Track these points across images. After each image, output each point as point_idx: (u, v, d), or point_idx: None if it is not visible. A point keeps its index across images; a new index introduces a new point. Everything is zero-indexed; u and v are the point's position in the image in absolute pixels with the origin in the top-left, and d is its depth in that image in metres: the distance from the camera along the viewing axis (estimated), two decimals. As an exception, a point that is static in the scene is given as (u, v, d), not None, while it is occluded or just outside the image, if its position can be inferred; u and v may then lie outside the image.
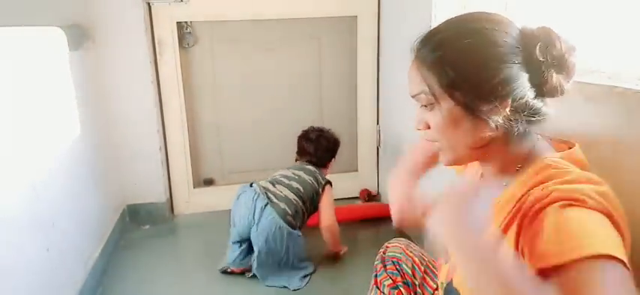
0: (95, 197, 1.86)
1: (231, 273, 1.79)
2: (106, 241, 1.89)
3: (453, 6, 1.64)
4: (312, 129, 2.04)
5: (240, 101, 2.34)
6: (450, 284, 0.87)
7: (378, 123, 2.45)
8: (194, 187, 2.37)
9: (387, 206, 2.23)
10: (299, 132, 2.16)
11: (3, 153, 1.18)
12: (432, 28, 0.77)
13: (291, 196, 1.77)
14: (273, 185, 1.81)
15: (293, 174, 1.87)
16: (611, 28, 1.08)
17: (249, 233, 1.71)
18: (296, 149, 2.06)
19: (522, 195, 0.71)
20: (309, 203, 1.82)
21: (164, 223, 2.26)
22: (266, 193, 1.75)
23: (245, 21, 2.23)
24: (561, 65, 0.70)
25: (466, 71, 0.69)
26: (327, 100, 2.42)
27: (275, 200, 1.74)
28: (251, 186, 1.80)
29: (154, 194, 2.25)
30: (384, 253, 1.21)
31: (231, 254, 1.78)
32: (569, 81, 0.72)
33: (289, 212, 1.73)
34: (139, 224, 2.23)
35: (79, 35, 1.81)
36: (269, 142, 2.42)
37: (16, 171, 1.24)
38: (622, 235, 0.64)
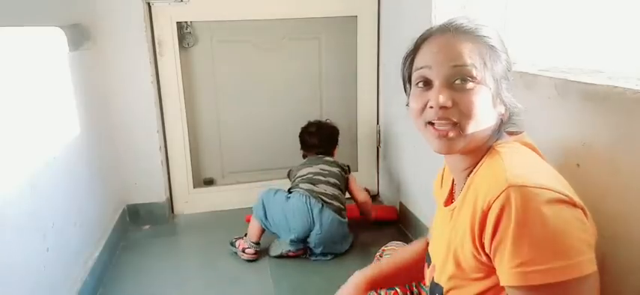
0: (95, 197, 1.86)
1: (287, 257, 1.90)
2: (105, 241, 1.89)
3: (452, 6, 1.64)
4: (310, 124, 2.18)
5: (240, 101, 2.34)
6: (432, 282, 0.90)
7: (378, 123, 2.45)
8: (194, 187, 2.37)
9: (388, 208, 2.23)
10: (298, 132, 2.17)
11: (3, 153, 1.18)
12: (459, 17, 0.81)
13: (335, 191, 1.94)
14: (315, 184, 1.92)
15: (321, 170, 1.99)
16: (611, 28, 1.08)
17: (308, 234, 1.84)
18: (299, 147, 2.18)
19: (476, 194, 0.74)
20: (344, 190, 2.02)
21: (164, 223, 2.26)
22: (317, 196, 1.86)
23: (245, 21, 2.23)
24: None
25: (501, 60, 0.78)
26: (327, 100, 2.42)
27: (327, 200, 1.88)
28: (290, 191, 1.92)
29: (154, 194, 2.25)
30: (380, 256, 1.25)
31: (288, 244, 1.87)
32: None
33: (341, 206, 1.92)
34: (138, 224, 2.23)
35: (79, 35, 1.81)
36: (269, 142, 2.42)
37: (15, 171, 1.24)
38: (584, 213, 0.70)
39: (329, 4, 2.26)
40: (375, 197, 2.52)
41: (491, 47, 0.77)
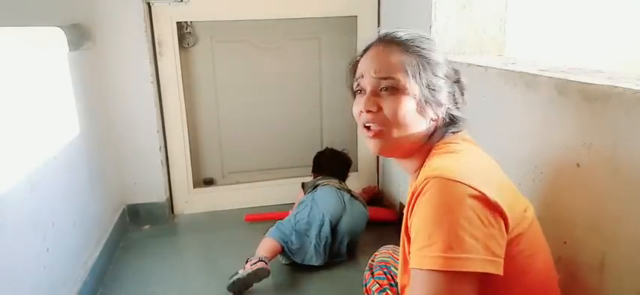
0: (95, 197, 1.86)
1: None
2: (105, 241, 1.89)
3: (452, 6, 1.65)
4: (328, 149, 2.26)
5: (240, 101, 2.34)
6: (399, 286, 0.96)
7: (378, 123, 2.45)
8: (194, 187, 2.37)
9: (388, 210, 2.22)
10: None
11: (3, 154, 1.18)
12: (392, 29, 0.90)
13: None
14: (341, 184, 2.04)
15: (339, 182, 2.06)
16: (611, 28, 1.09)
17: (339, 219, 1.85)
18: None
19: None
20: None
21: (164, 223, 2.26)
22: (344, 189, 1.96)
23: (245, 21, 2.23)
24: (463, 94, 0.91)
25: (431, 68, 0.85)
26: (327, 100, 2.42)
27: (354, 194, 1.97)
28: (315, 189, 1.97)
29: (154, 194, 2.25)
30: (372, 261, 1.28)
31: (314, 253, 1.79)
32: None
33: (365, 203, 2.00)
34: (138, 224, 2.23)
35: (79, 35, 1.81)
36: (269, 142, 2.42)
37: (15, 171, 1.24)
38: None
39: (329, 4, 2.26)
40: (377, 195, 2.51)
41: (421, 57, 0.84)
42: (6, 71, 1.24)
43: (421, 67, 0.84)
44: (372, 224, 2.01)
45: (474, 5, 1.66)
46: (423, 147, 0.86)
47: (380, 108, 0.84)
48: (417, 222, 0.74)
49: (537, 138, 1.11)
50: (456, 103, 0.89)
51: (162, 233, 2.18)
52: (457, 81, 0.90)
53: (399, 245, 1.30)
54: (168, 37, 2.14)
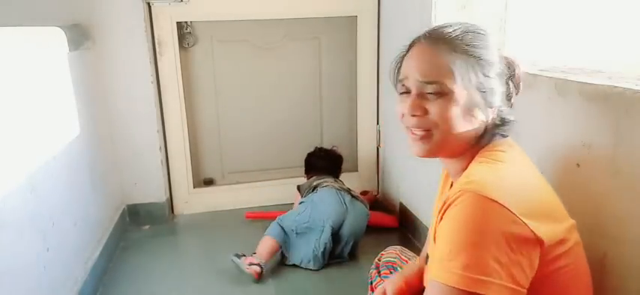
0: (95, 197, 1.86)
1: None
2: (105, 241, 1.89)
3: (452, 6, 1.65)
4: (318, 149, 2.25)
5: (240, 101, 2.34)
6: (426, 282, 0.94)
7: (378, 123, 2.45)
8: (194, 187, 2.37)
9: (388, 216, 2.19)
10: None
11: (3, 154, 1.18)
12: (438, 24, 0.84)
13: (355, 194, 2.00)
14: (336, 182, 2.04)
15: (335, 181, 2.05)
16: (611, 28, 1.09)
17: (341, 223, 1.84)
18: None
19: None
20: None
21: (164, 223, 2.26)
22: (344, 189, 1.95)
23: (245, 21, 2.23)
24: (518, 89, 0.86)
25: (479, 68, 0.79)
26: (327, 100, 2.42)
27: (354, 194, 1.96)
28: (314, 190, 1.96)
29: (154, 194, 2.25)
30: (378, 260, 1.27)
31: (312, 258, 1.79)
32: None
33: (365, 202, 1.99)
34: (138, 224, 2.23)
35: (79, 35, 1.81)
36: (269, 142, 2.42)
37: (15, 171, 1.24)
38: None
39: (329, 4, 2.26)
40: (377, 199, 2.52)
41: (471, 57, 0.78)
42: (6, 71, 1.24)
43: (471, 69, 0.78)
44: (371, 230, 2.00)
45: (474, 5, 1.66)
46: (471, 150, 0.82)
47: (426, 112, 0.79)
48: (444, 233, 0.72)
49: (537, 138, 1.11)
50: (510, 102, 0.84)
51: (162, 233, 2.18)
52: (511, 77, 0.84)
53: (404, 246, 1.31)
54: (168, 37, 2.14)
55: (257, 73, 2.31)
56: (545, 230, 0.70)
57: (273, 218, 1.92)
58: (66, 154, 1.59)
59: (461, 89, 0.77)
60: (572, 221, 0.78)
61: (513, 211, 0.68)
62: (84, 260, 1.68)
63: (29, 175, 1.30)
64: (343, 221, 1.83)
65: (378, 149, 2.49)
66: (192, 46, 2.23)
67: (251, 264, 1.73)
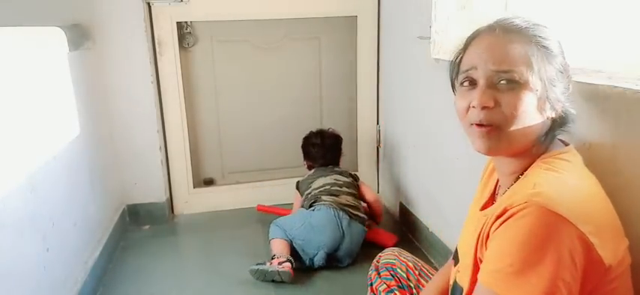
0: (95, 197, 1.86)
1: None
2: (105, 241, 1.89)
3: (452, 6, 1.64)
4: (313, 134, 2.14)
5: (240, 101, 2.34)
6: (455, 282, 0.91)
7: (378, 123, 2.45)
8: (194, 187, 2.37)
9: (388, 234, 2.09)
10: (298, 133, 2.16)
11: (3, 154, 1.18)
12: (507, 16, 0.80)
13: (356, 201, 1.93)
14: (338, 196, 1.90)
15: (336, 180, 1.97)
16: (611, 29, 1.08)
17: (337, 247, 1.79)
18: (299, 146, 2.14)
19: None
20: (358, 198, 1.99)
21: (164, 223, 2.26)
22: (344, 208, 1.84)
23: (245, 21, 2.23)
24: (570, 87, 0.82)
25: (550, 62, 0.75)
26: (327, 100, 2.42)
27: (353, 212, 1.86)
28: (313, 204, 1.88)
29: (154, 194, 2.25)
30: (377, 262, 1.27)
31: (317, 257, 1.78)
32: None
33: (364, 217, 1.92)
34: (138, 224, 2.23)
35: (79, 35, 1.80)
36: (269, 142, 2.42)
37: (15, 171, 1.24)
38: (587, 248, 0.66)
39: (329, 4, 2.26)
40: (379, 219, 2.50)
41: (542, 47, 0.75)
42: (6, 71, 1.24)
43: (545, 59, 0.74)
44: (371, 230, 1.98)
45: (474, 5, 1.66)
46: (533, 150, 0.78)
47: (497, 104, 0.74)
48: (505, 244, 0.68)
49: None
50: (570, 99, 0.80)
51: (162, 233, 2.18)
52: (569, 76, 0.81)
53: (404, 246, 1.31)
54: (168, 37, 2.14)
55: (257, 72, 2.31)
56: (610, 249, 0.68)
57: (284, 214, 1.93)
58: (66, 154, 1.59)
59: (536, 80, 0.73)
60: (627, 242, 0.75)
61: (582, 229, 0.65)
62: (84, 261, 1.68)
63: (29, 175, 1.30)
64: (339, 245, 1.79)
65: (378, 149, 2.49)
66: (192, 46, 2.23)
67: (281, 263, 1.70)
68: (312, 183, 1.98)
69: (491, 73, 0.75)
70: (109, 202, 2.06)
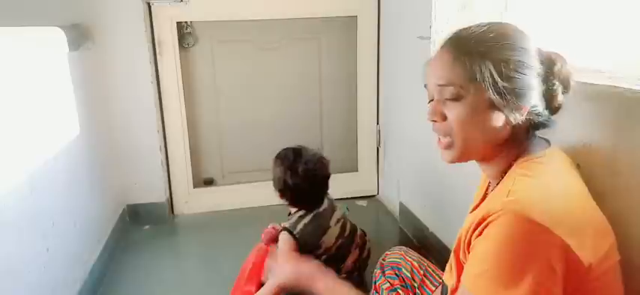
0: (95, 197, 1.86)
1: None
2: (105, 241, 1.89)
3: (452, 6, 1.64)
4: (298, 173, 1.48)
5: (240, 101, 2.34)
6: (442, 281, 0.93)
7: (378, 123, 2.45)
8: (194, 187, 2.37)
9: None
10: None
11: (3, 154, 1.18)
12: (463, 26, 0.81)
13: (362, 248, 1.57)
14: (346, 259, 1.54)
15: (342, 227, 1.54)
16: (611, 28, 1.08)
17: None
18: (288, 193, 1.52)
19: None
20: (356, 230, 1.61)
21: (164, 223, 2.26)
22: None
23: (245, 21, 2.23)
24: (566, 86, 0.80)
25: (499, 69, 0.74)
26: (327, 100, 2.42)
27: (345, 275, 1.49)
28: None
29: (154, 194, 2.25)
30: (383, 260, 1.27)
31: None
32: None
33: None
34: (138, 224, 2.23)
35: (79, 35, 1.80)
36: (269, 142, 2.41)
37: (15, 170, 1.24)
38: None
39: (329, 4, 2.26)
40: (373, 196, 2.52)
41: (492, 58, 0.74)
42: (6, 71, 1.24)
43: (492, 70, 0.74)
44: (371, 230, 1.95)
45: (474, 5, 1.66)
46: (505, 153, 0.79)
47: (444, 117, 0.78)
48: (483, 251, 0.69)
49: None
50: (554, 100, 0.79)
51: (162, 233, 2.18)
52: (550, 74, 0.78)
53: (403, 246, 1.31)
54: (168, 37, 2.14)
55: (257, 72, 2.31)
56: (590, 248, 0.68)
57: None
58: (66, 154, 1.59)
59: (478, 92, 0.75)
60: (613, 239, 0.75)
61: (557, 233, 0.65)
62: (84, 260, 1.68)
63: (29, 175, 1.30)
64: None
65: (378, 149, 2.49)
66: (192, 46, 2.23)
67: None
68: (315, 234, 1.46)
69: (436, 89, 0.79)
70: (109, 202, 2.06)
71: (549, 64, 0.78)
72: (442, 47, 0.81)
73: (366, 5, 2.28)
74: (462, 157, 0.81)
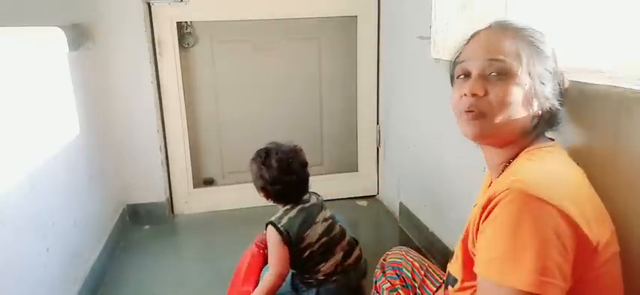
0: (95, 197, 1.86)
1: None
2: (105, 241, 1.89)
3: (452, 6, 1.64)
4: (278, 170, 1.49)
5: (240, 101, 2.34)
6: (448, 272, 0.94)
7: (378, 123, 2.45)
8: (194, 187, 2.37)
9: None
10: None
11: (3, 153, 1.18)
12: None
13: (353, 245, 1.53)
14: (345, 259, 1.49)
15: (329, 226, 1.48)
16: (610, 28, 1.08)
17: None
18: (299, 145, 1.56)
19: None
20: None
21: (164, 223, 2.26)
22: (353, 281, 1.50)
23: (245, 21, 2.23)
24: (564, 101, 0.85)
25: (540, 59, 0.80)
26: (327, 100, 2.42)
27: (361, 275, 1.54)
28: (315, 286, 1.46)
29: (154, 194, 2.25)
30: (383, 260, 1.27)
31: None
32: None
33: (365, 264, 1.55)
34: (138, 224, 2.23)
35: (79, 35, 1.81)
36: (269, 142, 2.41)
37: (15, 170, 1.24)
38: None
39: (329, 4, 2.26)
40: (373, 196, 2.52)
41: (534, 46, 0.80)
42: (6, 71, 1.24)
43: (535, 57, 0.79)
44: (371, 230, 1.96)
45: (474, 5, 1.66)
46: (519, 142, 0.82)
47: (486, 93, 0.79)
48: (492, 232, 0.70)
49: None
50: (559, 101, 0.84)
51: (162, 233, 2.18)
52: (561, 80, 0.85)
53: (403, 245, 1.31)
54: (168, 37, 2.14)
55: (257, 73, 2.32)
56: (595, 229, 0.69)
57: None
58: (66, 154, 1.59)
59: (525, 74, 0.78)
60: (613, 228, 0.77)
61: (564, 209, 0.66)
62: (84, 260, 1.68)
63: (29, 174, 1.31)
64: None
65: (378, 149, 2.49)
66: (192, 46, 2.23)
67: None
68: (301, 230, 1.41)
69: (484, 63, 0.80)
70: (109, 202, 2.06)
71: (560, 71, 0.85)
72: (488, 29, 0.84)
73: (366, 5, 2.28)
74: (489, 134, 0.81)
